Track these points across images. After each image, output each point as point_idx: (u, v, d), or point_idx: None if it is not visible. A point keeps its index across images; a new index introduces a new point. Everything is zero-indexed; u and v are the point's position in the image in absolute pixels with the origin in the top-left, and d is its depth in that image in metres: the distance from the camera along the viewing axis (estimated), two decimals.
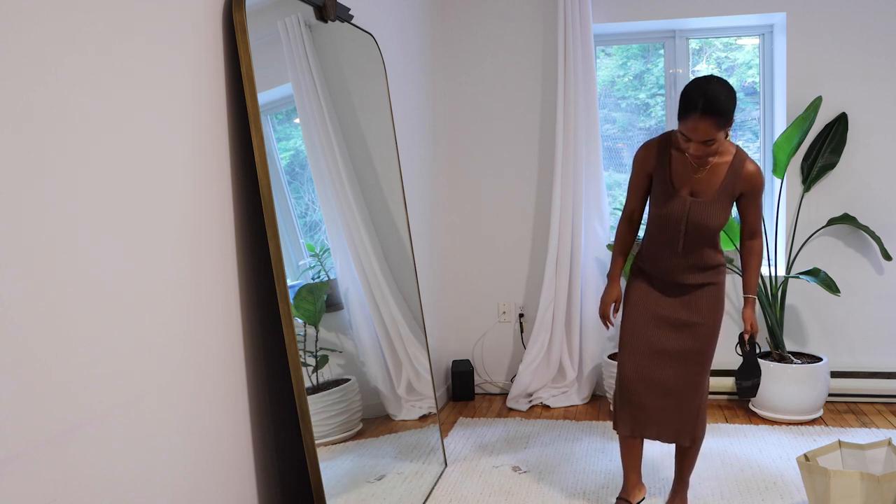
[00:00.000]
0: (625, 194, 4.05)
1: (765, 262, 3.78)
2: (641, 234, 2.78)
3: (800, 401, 3.31)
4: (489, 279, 4.04)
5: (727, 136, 2.21)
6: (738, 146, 2.29)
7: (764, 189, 2.30)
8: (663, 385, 2.34)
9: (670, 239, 2.30)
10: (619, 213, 3.32)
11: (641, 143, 2.40)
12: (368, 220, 2.55)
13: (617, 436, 2.55)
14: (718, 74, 3.92)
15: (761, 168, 2.32)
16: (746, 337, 2.36)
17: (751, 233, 2.37)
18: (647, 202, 2.42)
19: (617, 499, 2.52)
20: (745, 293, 2.40)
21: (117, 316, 1.48)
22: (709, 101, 2.06)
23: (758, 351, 2.39)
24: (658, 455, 2.95)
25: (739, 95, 3.92)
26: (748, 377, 2.39)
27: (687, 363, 2.32)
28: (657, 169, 2.31)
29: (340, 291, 2.31)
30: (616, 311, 2.49)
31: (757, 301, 2.35)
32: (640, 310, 2.37)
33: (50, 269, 1.31)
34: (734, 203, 2.29)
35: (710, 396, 3.76)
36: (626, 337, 2.39)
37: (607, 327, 2.52)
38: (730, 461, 2.88)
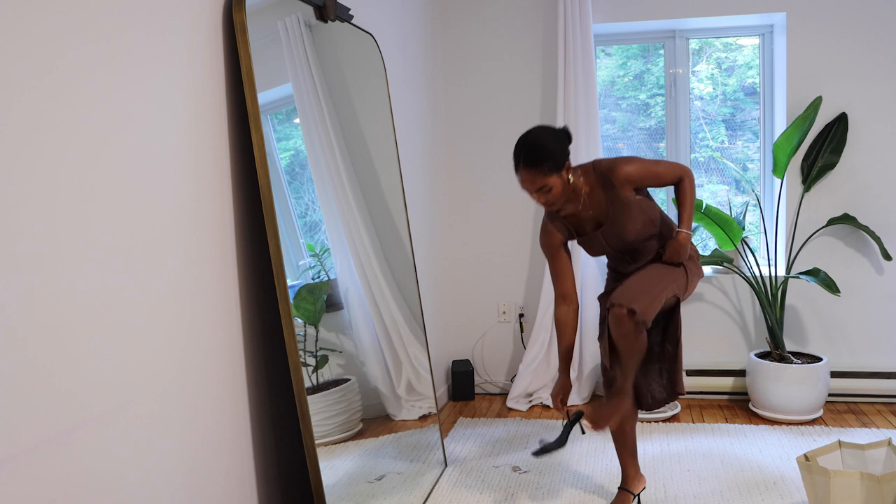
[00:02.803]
0: None
1: (765, 262, 3.79)
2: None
3: (800, 401, 3.31)
4: (489, 279, 4.04)
5: (568, 177, 2.20)
6: (594, 161, 2.29)
7: (641, 164, 2.26)
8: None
9: (617, 259, 2.42)
10: None
11: (539, 231, 2.41)
12: (368, 220, 2.55)
13: (610, 431, 2.55)
14: (720, 73, 3.91)
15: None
16: (571, 415, 2.34)
17: (673, 184, 2.35)
18: (574, 277, 2.42)
19: (619, 489, 2.54)
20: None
21: (117, 316, 1.48)
22: (527, 154, 2.13)
23: (569, 430, 2.36)
24: (659, 456, 2.95)
25: (739, 95, 3.92)
26: (551, 446, 2.32)
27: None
28: (565, 235, 2.38)
29: (340, 291, 2.31)
30: (565, 403, 2.40)
31: (685, 242, 2.30)
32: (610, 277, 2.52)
33: (49, 269, 1.31)
34: (636, 199, 2.28)
35: (710, 396, 3.76)
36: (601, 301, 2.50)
37: (560, 410, 2.44)
38: (730, 461, 2.88)
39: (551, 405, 2.44)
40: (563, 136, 2.20)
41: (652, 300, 2.21)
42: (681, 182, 2.35)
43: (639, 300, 2.18)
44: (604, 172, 2.25)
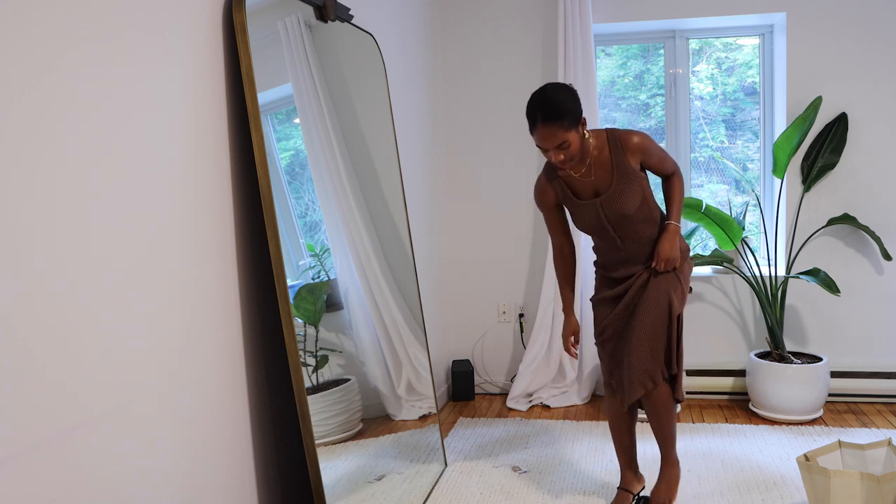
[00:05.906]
0: None
1: (765, 261, 3.78)
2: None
3: (800, 401, 3.31)
4: (489, 279, 4.04)
5: (584, 133, 2.23)
6: (608, 128, 2.32)
7: (652, 142, 2.31)
8: (619, 342, 2.39)
9: (607, 239, 2.38)
10: None
11: (535, 186, 2.43)
12: (368, 220, 2.55)
13: (611, 432, 2.57)
14: (720, 73, 3.92)
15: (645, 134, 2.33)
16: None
17: (665, 176, 2.41)
18: (569, 228, 2.47)
19: (618, 489, 2.55)
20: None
21: (117, 316, 1.48)
22: (546, 108, 2.12)
23: None
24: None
25: (739, 95, 3.92)
26: None
27: (634, 309, 2.36)
28: (559, 196, 2.38)
29: (340, 291, 2.31)
30: (576, 342, 2.47)
31: (676, 233, 2.33)
32: (602, 303, 2.45)
33: (49, 268, 1.31)
34: (639, 174, 2.30)
35: (710, 396, 3.76)
36: (596, 330, 2.47)
37: (575, 356, 2.54)
38: (730, 461, 2.88)
39: (564, 348, 2.47)
40: (575, 93, 2.21)
41: (678, 357, 2.34)
42: (673, 175, 2.40)
43: (671, 363, 2.32)
44: (616, 138, 2.28)
